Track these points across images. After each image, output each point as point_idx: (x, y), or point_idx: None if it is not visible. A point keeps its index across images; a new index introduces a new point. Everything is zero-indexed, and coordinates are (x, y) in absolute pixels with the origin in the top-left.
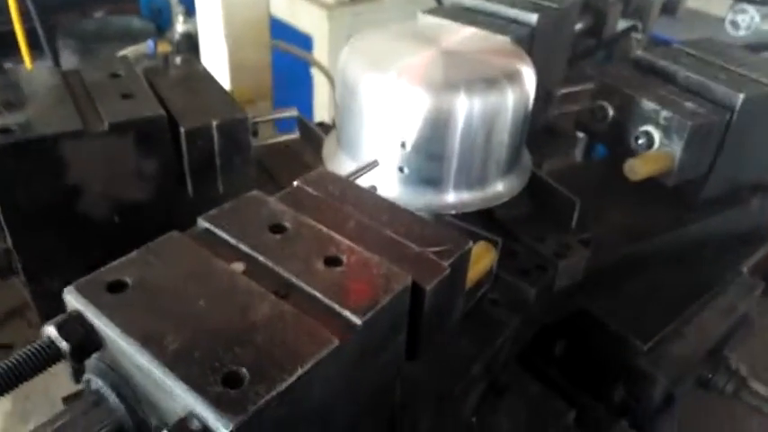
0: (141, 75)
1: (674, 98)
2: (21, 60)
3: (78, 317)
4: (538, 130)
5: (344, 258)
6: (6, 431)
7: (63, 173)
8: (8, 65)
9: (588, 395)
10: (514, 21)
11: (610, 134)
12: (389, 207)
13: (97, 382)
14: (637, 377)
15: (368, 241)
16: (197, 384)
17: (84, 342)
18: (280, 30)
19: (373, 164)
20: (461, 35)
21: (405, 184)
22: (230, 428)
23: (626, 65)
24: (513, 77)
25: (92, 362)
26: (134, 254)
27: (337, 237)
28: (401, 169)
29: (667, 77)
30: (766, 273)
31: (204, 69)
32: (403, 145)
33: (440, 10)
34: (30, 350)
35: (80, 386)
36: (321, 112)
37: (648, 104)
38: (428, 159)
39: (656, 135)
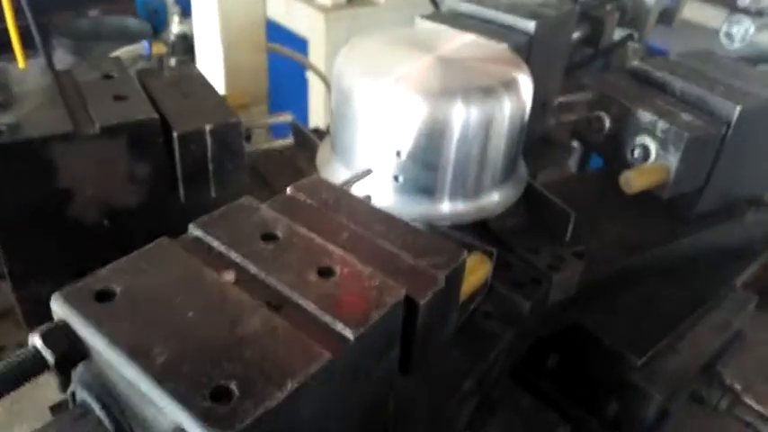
0: (135, 77)
1: (672, 109)
2: (14, 59)
3: (64, 326)
4: (534, 140)
5: (337, 270)
6: None
7: (52, 176)
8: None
9: (581, 409)
10: (512, 28)
11: (606, 145)
12: (383, 217)
13: (83, 394)
14: (630, 392)
15: (361, 252)
16: (185, 399)
17: (70, 352)
18: (276, 32)
19: (367, 172)
20: (459, 42)
21: (399, 193)
22: None
23: (623, 75)
24: (511, 86)
25: (78, 372)
26: (123, 261)
27: (330, 247)
28: (396, 178)
29: (664, 88)
30: (760, 287)
31: (199, 72)
32: (398, 153)
33: (437, 15)
34: (14, 360)
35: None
36: (317, 117)
37: (645, 115)
38: (423, 168)
39: (653, 146)
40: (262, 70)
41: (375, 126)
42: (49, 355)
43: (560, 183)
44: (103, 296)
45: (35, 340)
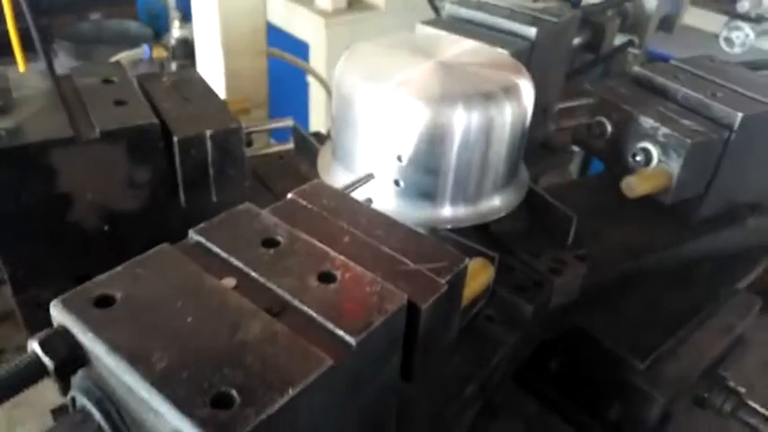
0: (135, 81)
1: (673, 115)
2: (15, 62)
3: (64, 332)
4: (535, 145)
5: (339, 275)
6: None
7: (52, 181)
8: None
9: (584, 413)
10: (513, 34)
11: (607, 150)
12: (385, 221)
13: (83, 400)
14: (633, 396)
15: (363, 257)
16: (185, 405)
17: (70, 359)
18: (277, 37)
19: (368, 177)
20: (460, 47)
21: (401, 197)
22: None
23: (624, 81)
24: (512, 91)
25: (78, 378)
26: (123, 267)
27: (331, 252)
28: (397, 182)
29: (666, 94)
30: (763, 290)
31: (199, 77)
32: (399, 158)
33: (438, 21)
34: (13, 367)
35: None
36: (318, 121)
37: (647, 121)
38: (424, 173)
39: (655, 152)
40: (262, 75)
41: (376, 131)
42: (48, 362)
43: (562, 187)
44: (103, 302)
45: (34, 346)
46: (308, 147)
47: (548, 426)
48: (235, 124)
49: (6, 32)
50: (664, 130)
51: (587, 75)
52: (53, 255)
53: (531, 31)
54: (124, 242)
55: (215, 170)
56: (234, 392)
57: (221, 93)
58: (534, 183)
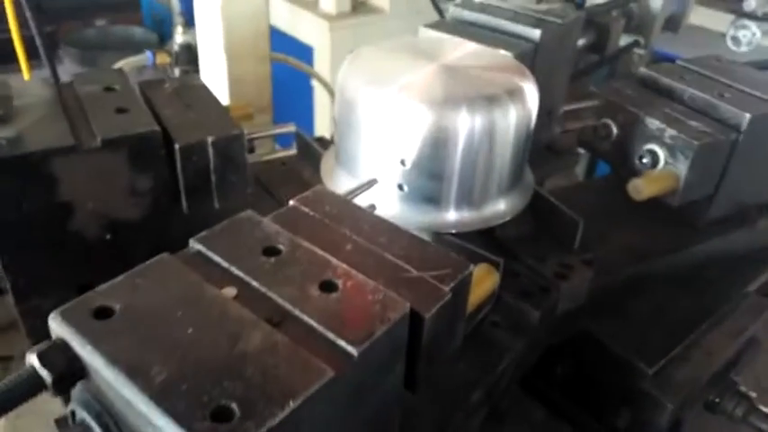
0: (137, 88)
1: (680, 117)
2: (20, 70)
3: (62, 345)
4: (540, 148)
5: (340, 284)
6: None
7: (54, 190)
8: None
9: (592, 419)
10: (517, 36)
11: (613, 152)
12: (388, 228)
13: (82, 413)
14: (642, 402)
15: (365, 265)
16: (184, 419)
17: (68, 372)
18: (281, 41)
19: (372, 182)
20: (463, 50)
21: (404, 202)
22: None
23: (630, 82)
24: (516, 94)
25: (77, 391)
26: (122, 278)
27: (333, 260)
28: (401, 187)
29: (672, 95)
30: None
31: (202, 83)
32: (402, 162)
33: (442, 24)
34: (11, 381)
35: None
36: (322, 125)
37: (653, 123)
38: (428, 177)
39: (662, 154)
40: (265, 80)
41: (379, 135)
42: (46, 375)
43: (567, 190)
44: (102, 313)
45: (32, 360)
46: (312, 152)
47: None
48: (237, 131)
49: (11, 40)
50: (670, 131)
51: (592, 76)
52: (55, 264)
53: (535, 33)
54: (126, 251)
55: (217, 177)
56: (234, 405)
57: (225, 98)
58: (540, 186)
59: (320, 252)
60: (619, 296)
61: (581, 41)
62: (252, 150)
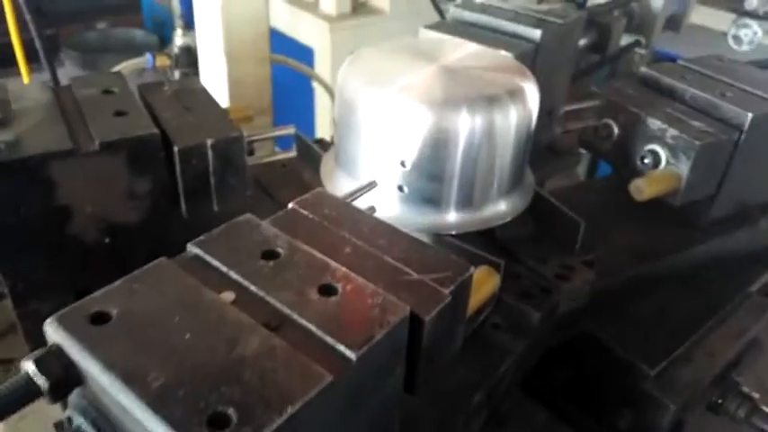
0: (136, 91)
1: (681, 116)
2: (20, 73)
3: (59, 351)
4: (540, 149)
5: (339, 287)
6: None
7: (52, 193)
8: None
9: (593, 421)
10: (518, 36)
11: (615, 152)
12: (388, 230)
13: (78, 420)
14: (644, 403)
15: (364, 268)
16: (181, 426)
17: (65, 378)
18: (281, 42)
19: (371, 185)
20: (463, 51)
21: (404, 203)
22: None
23: (631, 82)
24: (516, 95)
25: (74, 397)
26: (120, 282)
27: (332, 264)
28: (401, 188)
29: (674, 95)
30: None
31: (201, 85)
32: (403, 163)
33: (442, 24)
34: (7, 387)
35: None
36: (324, 127)
37: (655, 123)
38: (428, 178)
39: (663, 154)
40: (265, 81)
41: (379, 136)
42: (42, 382)
43: (569, 191)
44: (99, 319)
45: (28, 366)
46: (311, 154)
47: None
48: (236, 133)
49: (11, 43)
50: (672, 131)
51: (593, 76)
52: (53, 268)
53: (536, 34)
54: (125, 254)
55: (216, 180)
56: (231, 411)
57: (225, 100)
58: (541, 186)
59: (319, 255)
60: (620, 297)
61: (582, 41)
62: (251, 153)
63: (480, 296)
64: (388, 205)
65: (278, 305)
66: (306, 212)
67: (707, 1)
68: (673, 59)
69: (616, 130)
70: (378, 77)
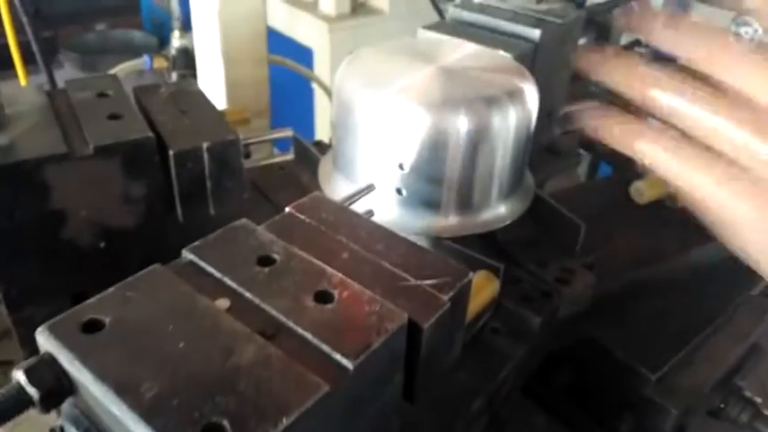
0: (131, 94)
1: None
2: (17, 75)
3: (50, 360)
4: (540, 150)
5: (336, 294)
6: None
7: (46, 198)
8: None
9: (594, 426)
10: (517, 36)
11: (615, 153)
12: (385, 235)
13: (70, 430)
14: (646, 408)
15: (361, 274)
16: None
17: (56, 388)
18: (279, 43)
19: (369, 188)
20: (462, 52)
21: (403, 206)
22: None
23: None
24: (516, 96)
25: (66, 406)
26: (113, 290)
27: (329, 270)
28: (399, 191)
29: None
30: None
31: (197, 88)
32: (401, 166)
33: (440, 25)
34: None
35: None
36: (323, 128)
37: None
38: (427, 181)
39: None
40: (263, 83)
41: (377, 139)
42: (33, 392)
43: (569, 192)
44: (91, 327)
45: (19, 376)
46: (309, 156)
47: None
48: (232, 136)
49: (7, 45)
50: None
51: None
52: (48, 273)
53: (535, 33)
54: (121, 258)
55: (212, 183)
56: (225, 422)
57: (223, 102)
58: (540, 188)
59: (316, 261)
60: (621, 300)
61: (582, 41)
62: (248, 155)
63: (480, 301)
64: (387, 208)
65: (273, 312)
66: (303, 217)
67: None
68: (672, 59)
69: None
70: (375, 79)
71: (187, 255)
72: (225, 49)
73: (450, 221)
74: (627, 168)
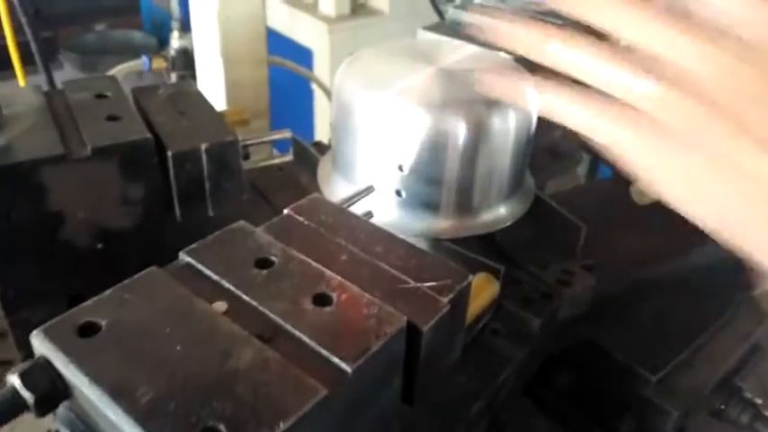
0: (130, 95)
1: None
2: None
3: (45, 364)
4: (540, 151)
5: (335, 297)
6: None
7: (43, 200)
8: None
9: (594, 428)
10: None
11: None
12: (385, 237)
13: None
14: (646, 410)
15: (360, 277)
16: None
17: (51, 392)
18: (279, 43)
19: (368, 190)
20: (462, 53)
21: (402, 208)
22: None
23: None
24: None
25: (62, 410)
26: (109, 292)
27: (328, 272)
28: (399, 193)
29: None
30: None
31: (196, 89)
32: (400, 168)
33: (440, 26)
34: None
35: None
36: (323, 129)
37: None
38: (427, 183)
39: None
40: (263, 84)
41: (376, 140)
42: (28, 396)
43: (569, 193)
44: (87, 331)
45: (14, 380)
46: (308, 157)
47: None
48: (231, 137)
49: (6, 46)
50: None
51: None
52: (45, 274)
53: None
54: (119, 260)
55: (211, 184)
56: (222, 427)
57: (222, 103)
58: (540, 189)
59: (314, 263)
60: (621, 302)
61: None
62: (247, 156)
63: (479, 303)
64: (386, 210)
65: (271, 315)
66: (301, 219)
67: None
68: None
69: None
70: (375, 80)
71: (184, 257)
72: (224, 50)
73: (449, 223)
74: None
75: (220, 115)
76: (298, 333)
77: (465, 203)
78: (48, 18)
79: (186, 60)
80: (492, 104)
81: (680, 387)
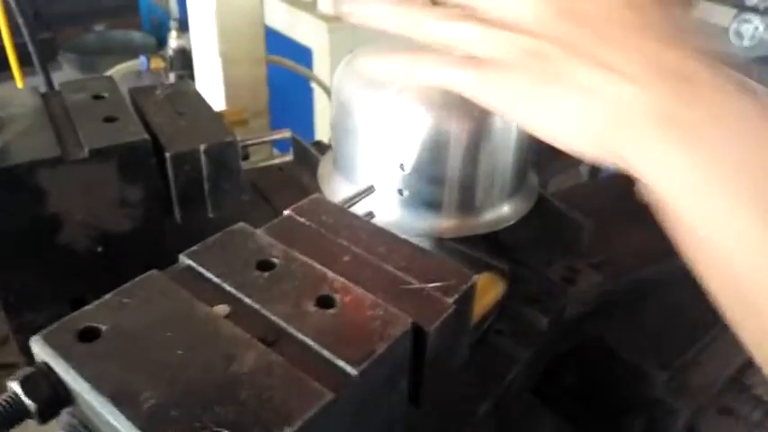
0: (127, 96)
1: None
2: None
3: (46, 370)
4: (543, 149)
5: (338, 299)
6: None
7: (41, 202)
8: None
9: (603, 427)
10: None
11: None
12: (388, 238)
13: None
14: (656, 409)
15: (364, 278)
16: None
17: (52, 399)
18: (278, 42)
19: (369, 189)
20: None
21: (404, 207)
22: None
23: None
24: None
25: (64, 416)
26: (109, 296)
27: (331, 274)
28: (400, 192)
29: None
30: None
31: (194, 89)
32: (402, 167)
33: None
34: None
35: None
36: (323, 128)
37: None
38: (428, 182)
39: None
40: (262, 83)
41: (377, 139)
42: (30, 403)
43: (573, 191)
44: (88, 336)
45: (14, 387)
46: (309, 157)
47: None
48: (230, 138)
49: (4, 47)
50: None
51: None
52: (45, 278)
53: None
54: (119, 262)
55: (210, 185)
56: None
57: (221, 103)
58: (544, 186)
59: (316, 265)
60: (629, 300)
61: None
62: (247, 157)
63: (485, 303)
64: (388, 210)
65: (274, 318)
66: (302, 219)
67: None
68: None
69: None
70: (375, 79)
71: (185, 260)
72: (222, 49)
73: (452, 222)
74: None
75: (219, 115)
76: (301, 336)
77: (468, 202)
78: (47, 19)
79: (184, 60)
80: None
81: (689, 385)
